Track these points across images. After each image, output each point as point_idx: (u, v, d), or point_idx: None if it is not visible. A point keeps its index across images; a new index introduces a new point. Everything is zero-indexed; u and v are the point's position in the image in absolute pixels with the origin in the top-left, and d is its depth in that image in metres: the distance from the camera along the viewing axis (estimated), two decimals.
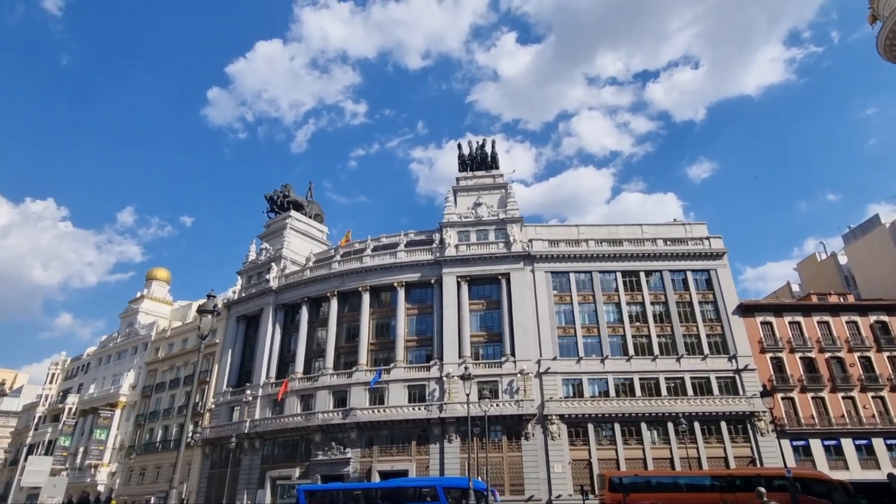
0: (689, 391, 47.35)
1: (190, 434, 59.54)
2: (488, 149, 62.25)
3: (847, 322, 50.31)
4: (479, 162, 61.74)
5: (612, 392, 47.65)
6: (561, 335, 50.41)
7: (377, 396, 50.12)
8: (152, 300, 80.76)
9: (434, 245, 55.66)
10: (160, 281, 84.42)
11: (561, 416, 46.12)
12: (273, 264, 62.24)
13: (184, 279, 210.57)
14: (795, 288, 71.10)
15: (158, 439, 62.76)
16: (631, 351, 49.29)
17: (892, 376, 47.99)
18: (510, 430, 46.31)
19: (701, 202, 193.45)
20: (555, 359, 48.92)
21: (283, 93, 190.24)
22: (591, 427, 46.16)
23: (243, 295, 63.37)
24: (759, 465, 43.63)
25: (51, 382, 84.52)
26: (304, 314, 57.63)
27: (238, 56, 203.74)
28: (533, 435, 45.93)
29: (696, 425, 45.66)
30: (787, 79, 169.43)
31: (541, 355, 49.01)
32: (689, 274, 52.80)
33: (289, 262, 63.33)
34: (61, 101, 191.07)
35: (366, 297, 55.04)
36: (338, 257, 58.82)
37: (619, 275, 52.93)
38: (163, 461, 60.52)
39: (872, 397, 47.25)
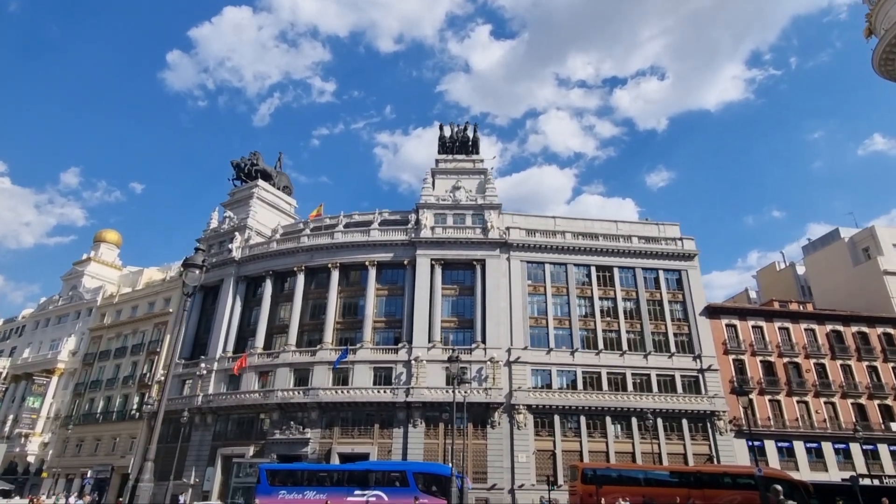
0: (655, 388, 47.94)
1: (135, 406, 56.35)
2: (469, 133, 61.12)
3: (805, 329, 52.05)
4: (459, 145, 60.53)
5: (580, 384, 47.69)
6: (533, 325, 50.05)
7: (341, 377, 48.47)
8: (100, 263, 75.84)
9: (409, 226, 54.17)
10: (109, 244, 79.36)
11: (528, 406, 45.82)
12: (237, 234, 59.26)
13: (132, 247, 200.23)
14: (752, 295, 73.48)
15: (99, 410, 59.05)
16: (600, 345, 49.42)
17: (844, 384, 49.97)
18: (476, 418, 45.54)
19: (656, 209, 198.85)
20: (525, 348, 48.55)
21: (248, 63, 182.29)
22: (557, 418, 46.09)
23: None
24: (716, 462, 44.51)
25: None
26: (268, 288, 55.17)
27: (203, 20, 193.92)
28: (499, 423, 45.44)
29: (660, 421, 46.26)
30: (746, 97, 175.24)
31: (511, 344, 48.52)
32: (660, 273, 53.33)
33: (254, 232, 60.47)
34: (5, 50, 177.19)
35: (335, 274, 53.09)
36: (307, 231, 56.54)
37: (593, 269, 52.94)
38: (103, 433, 57.02)
39: (825, 402, 49.10)
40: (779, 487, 14.72)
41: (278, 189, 68.45)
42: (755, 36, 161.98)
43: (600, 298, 51.87)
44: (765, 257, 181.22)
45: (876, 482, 41.72)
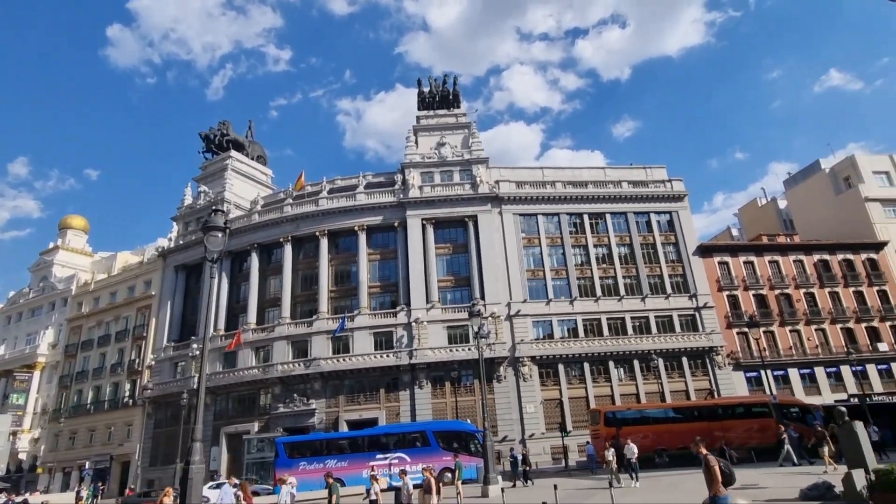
0: (654, 329, 48.50)
1: (127, 393, 54.66)
2: (450, 87, 59.10)
3: (794, 261, 53.07)
4: (440, 100, 58.54)
5: (581, 332, 47.89)
6: (530, 277, 49.72)
7: (341, 345, 47.62)
8: (69, 251, 72.16)
9: (396, 187, 52.58)
10: (76, 230, 75.37)
11: (532, 358, 45.92)
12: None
13: (99, 233, 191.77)
14: (735, 233, 74.56)
15: (90, 401, 57.10)
16: (598, 292, 49.52)
17: (832, 310, 51.42)
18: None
19: (625, 160, 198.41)
20: (525, 301, 48.31)
21: (194, 34, 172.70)
22: (561, 367, 46.39)
23: (181, 242, 57.73)
24: (716, 396, 45.58)
25: None
26: (255, 261, 53.33)
27: None
28: (505, 377, 45.55)
29: (660, 361, 47.03)
30: (707, 41, 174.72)
31: (511, 298, 48.20)
32: (651, 216, 53.31)
33: (232, 206, 58.01)
34: None
35: (324, 242, 51.51)
36: (290, 200, 54.44)
37: (585, 217, 52.55)
38: (97, 423, 55.33)
39: (815, 330, 50.51)
40: (843, 409, 14.51)
41: (252, 159, 65.66)
42: None
43: (595, 246, 51.68)
44: (731, 198, 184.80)
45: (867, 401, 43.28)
